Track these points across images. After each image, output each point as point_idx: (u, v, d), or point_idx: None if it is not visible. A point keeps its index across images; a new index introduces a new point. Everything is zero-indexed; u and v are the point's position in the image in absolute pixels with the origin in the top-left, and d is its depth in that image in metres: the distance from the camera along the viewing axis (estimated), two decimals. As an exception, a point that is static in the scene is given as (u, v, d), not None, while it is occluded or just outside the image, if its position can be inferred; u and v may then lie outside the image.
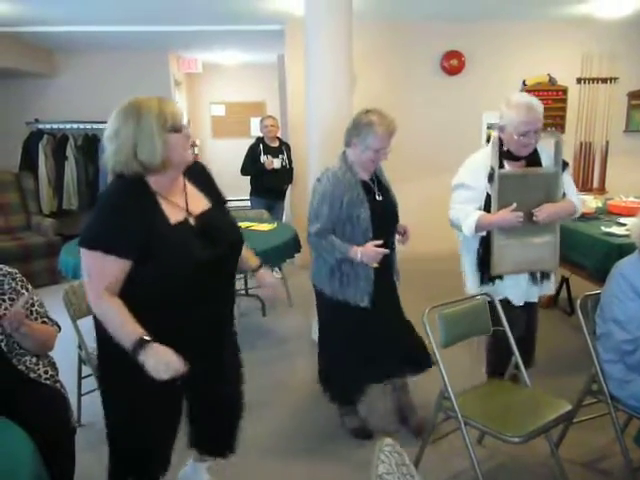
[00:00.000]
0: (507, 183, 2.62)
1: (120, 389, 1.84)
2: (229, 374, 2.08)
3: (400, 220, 2.80)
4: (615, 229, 3.54)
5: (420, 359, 2.75)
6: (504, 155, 2.66)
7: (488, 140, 6.21)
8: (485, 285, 2.77)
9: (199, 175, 1.93)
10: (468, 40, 6.11)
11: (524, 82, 6.29)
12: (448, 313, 2.40)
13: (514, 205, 2.58)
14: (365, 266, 2.57)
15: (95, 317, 1.81)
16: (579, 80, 6.37)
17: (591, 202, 4.28)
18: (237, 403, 2.15)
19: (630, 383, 2.27)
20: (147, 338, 1.62)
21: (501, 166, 2.65)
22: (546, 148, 2.77)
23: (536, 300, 2.89)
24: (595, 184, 6.60)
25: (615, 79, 6.37)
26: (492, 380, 2.68)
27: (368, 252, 2.48)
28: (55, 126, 7.14)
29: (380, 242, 2.48)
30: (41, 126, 7.15)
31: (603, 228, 3.63)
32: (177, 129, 1.71)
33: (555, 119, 6.41)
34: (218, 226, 1.84)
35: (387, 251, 2.49)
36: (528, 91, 6.25)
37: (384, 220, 2.65)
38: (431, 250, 5.92)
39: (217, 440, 2.17)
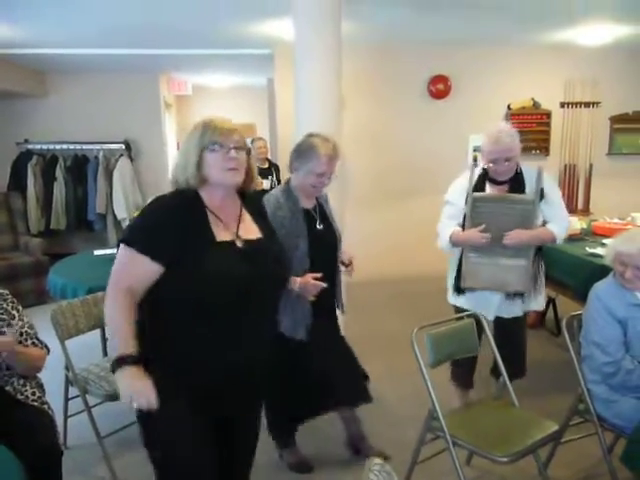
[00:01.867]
0: (480, 205, 2.79)
1: (155, 428, 1.70)
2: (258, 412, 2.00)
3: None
4: (599, 250, 3.59)
5: (358, 392, 2.68)
6: (488, 178, 2.85)
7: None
8: (458, 296, 2.95)
9: (258, 206, 1.96)
10: (454, 65, 6.24)
11: (509, 106, 6.41)
12: (436, 333, 2.43)
13: (482, 226, 2.75)
14: (301, 297, 2.42)
15: None
16: (562, 104, 6.51)
17: (576, 223, 4.35)
18: (256, 438, 2.02)
19: (615, 403, 2.30)
20: (131, 357, 1.55)
21: (483, 189, 2.84)
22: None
23: (509, 316, 2.91)
24: (580, 206, 6.71)
25: (597, 104, 6.51)
26: (480, 400, 2.69)
27: (306, 284, 2.31)
28: (45, 147, 7.15)
29: (319, 275, 2.33)
30: (30, 146, 7.15)
31: (588, 249, 3.68)
32: (215, 148, 1.68)
33: (539, 142, 6.53)
34: (265, 257, 1.77)
35: (325, 285, 2.32)
36: (513, 115, 6.39)
37: (323, 251, 2.56)
38: (419, 272, 5.96)
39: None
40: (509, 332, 2.92)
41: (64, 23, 4.87)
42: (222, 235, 1.71)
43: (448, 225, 2.87)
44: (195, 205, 1.71)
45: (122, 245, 1.67)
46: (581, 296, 3.37)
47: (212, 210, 1.73)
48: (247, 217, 1.84)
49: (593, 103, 6.51)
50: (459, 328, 2.53)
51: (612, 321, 2.29)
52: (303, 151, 2.50)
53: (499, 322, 2.90)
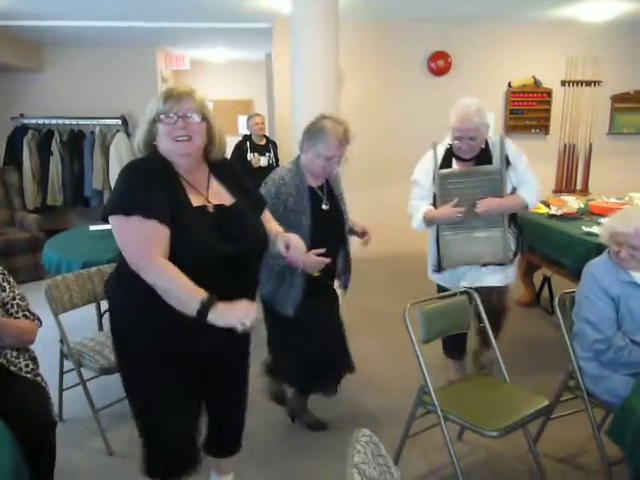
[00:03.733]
0: (447, 182, 2.77)
1: (139, 383, 1.83)
2: (242, 374, 2.07)
3: (366, 221, 2.77)
4: (595, 229, 3.58)
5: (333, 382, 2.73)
6: (453, 155, 2.81)
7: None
8: (437, 273, 2.97)
9: (231, 175, 1.87)
10: (454, 41, 6.16)
11: (509, 83, 6.35)
12: (429, 309, 2.43)
13: (455, 201, 2.73)
14: (302, 275, 2.46)
15: (111, 310, 1.81)
16: (564, 82, 6.45)
17: (573, 203, 4.34)
18: (244, 401, 2.12)
19: (605, 379, 2.31)
20: (212, 296, 1.52)
21: (449, 165, 2.80)
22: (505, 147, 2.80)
23: (493, 285, 2.86)
24: (578, 185, 6.69)
25: (599, 82, 6.45)
26: (471, 376, 2.71)
27: (311, 261, 2.28)
28: (40, 121, 7.08)
29: (323, 250, 2.32)
30: (26, 121, 7.09)
31: (584, 228, 3.67)
32: (162, 118, 1.65)
33: (540, 121, 6.48)
34: (238, 222, 1.76)
35: (329, 260, 2.32)
36: (513, 93, 6.34)
37: (327, 230, 2.55)
38: (416, 250, 5.96)
39: (226, 439, 2.13)
40: (490, 301, 2.84)
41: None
42: (195, 200, 1.70)
43: (420, 205, 2.85)
44: (168, 169, 1.69)
45: (119, 217, 1.58)
46: (576, 275, 3.36)
47: (183, 176, 1.71)
48: (215, 184, 1.81)
49: (594, 82, 6.44)
50: (452, 304, 2.53)
51: (605, 299, 2.29)
52: (314, 132, 2.47)
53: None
